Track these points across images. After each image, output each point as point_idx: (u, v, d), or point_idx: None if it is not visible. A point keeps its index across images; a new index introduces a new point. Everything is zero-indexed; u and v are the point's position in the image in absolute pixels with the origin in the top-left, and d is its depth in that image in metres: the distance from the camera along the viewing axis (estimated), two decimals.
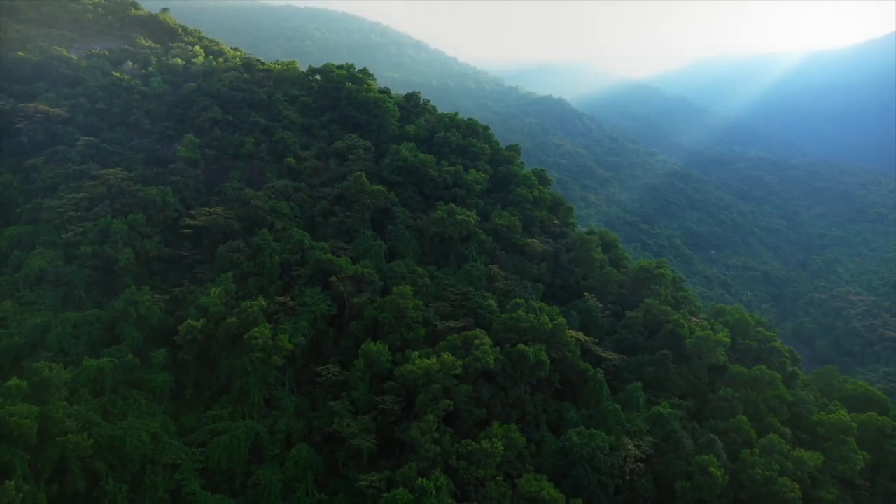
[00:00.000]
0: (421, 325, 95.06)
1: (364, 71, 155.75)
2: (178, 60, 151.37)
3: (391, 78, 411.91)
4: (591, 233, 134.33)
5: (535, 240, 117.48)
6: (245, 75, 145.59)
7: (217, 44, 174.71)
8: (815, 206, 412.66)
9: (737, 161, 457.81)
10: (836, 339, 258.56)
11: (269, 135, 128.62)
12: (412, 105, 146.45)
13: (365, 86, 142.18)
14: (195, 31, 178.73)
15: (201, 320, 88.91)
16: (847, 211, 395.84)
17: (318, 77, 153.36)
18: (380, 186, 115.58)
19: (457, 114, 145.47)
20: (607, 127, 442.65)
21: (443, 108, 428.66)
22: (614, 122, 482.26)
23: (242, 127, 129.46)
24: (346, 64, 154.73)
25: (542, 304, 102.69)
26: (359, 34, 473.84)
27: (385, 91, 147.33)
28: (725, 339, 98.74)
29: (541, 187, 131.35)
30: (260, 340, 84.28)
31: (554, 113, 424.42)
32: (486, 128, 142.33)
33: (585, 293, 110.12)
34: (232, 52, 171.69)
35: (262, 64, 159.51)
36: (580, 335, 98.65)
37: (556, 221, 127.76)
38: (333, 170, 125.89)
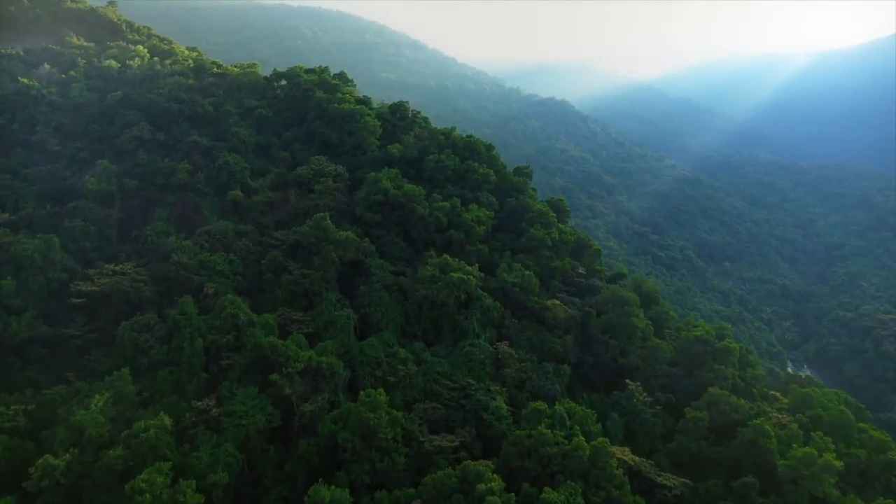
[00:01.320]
0: (400, 444, 63.51)
1: (340, 75, 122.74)
2: (112, 63, 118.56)
3: (386, 79, 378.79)
4: (619, 277, 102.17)
5: (556, 301, 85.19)
6: (190, 81, 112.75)
7: (169, 42, 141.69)
8: (832, 213, 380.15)
9: (746, 165, 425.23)
10: (867, 362, 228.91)
11: (212, 159, 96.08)
12: (398, 118, 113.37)
13: (339, 94, 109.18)
14: (144, 27, 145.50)
15: (69, 453, 57.34)
16: (866, 219, 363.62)
17: (284, 83, 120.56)
18: (350, 232, 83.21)
19: (453, 129, 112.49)
20: (612, 130, 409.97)
21: (441, 111, 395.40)
22: (618, 124, 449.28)
23: (177, 148, 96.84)
24: (318, 67, 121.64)
25: (571, 403, 70.79)
26: (353, 33, 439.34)
27: (364, 101, 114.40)
28: (836, 462, 66.38)
29: (560, 225, 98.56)
30: (148, 496, 52.55)
31: (557, 116, 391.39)
32: (489, 147, 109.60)
33: (627, 380, 77.96)
34: (186, 52, 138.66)
35: (218, 67, 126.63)
36: (627, 454, 66.82)
37: (581, 270, 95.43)
38: (294, 204, 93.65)
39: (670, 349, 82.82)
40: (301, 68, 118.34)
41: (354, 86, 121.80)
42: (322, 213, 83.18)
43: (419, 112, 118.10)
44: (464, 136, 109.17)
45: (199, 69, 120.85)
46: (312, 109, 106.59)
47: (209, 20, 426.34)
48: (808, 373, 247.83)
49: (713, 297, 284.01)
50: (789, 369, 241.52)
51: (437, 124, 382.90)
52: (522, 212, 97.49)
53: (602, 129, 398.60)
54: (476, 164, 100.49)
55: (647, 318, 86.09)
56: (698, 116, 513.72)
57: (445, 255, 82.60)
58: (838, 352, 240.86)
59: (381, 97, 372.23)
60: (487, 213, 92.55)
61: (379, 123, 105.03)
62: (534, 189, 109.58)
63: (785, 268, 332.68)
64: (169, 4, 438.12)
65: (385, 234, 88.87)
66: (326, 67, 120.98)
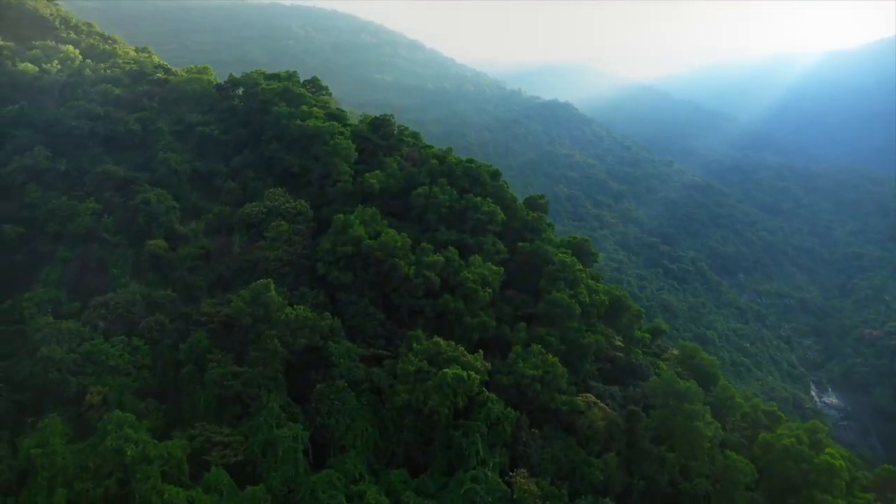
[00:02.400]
0: None
1: (312, 82, 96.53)
2: (28, 67, 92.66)
3: (382, 80, 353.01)
4: (658, 332, 76.80)
5: (589, 397, 59.74)
6: (118, 91, 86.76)
7: (113, 41, 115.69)
8: (849, 220, 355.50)
9: (757, 169, 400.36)
10: None
11: (128, 195, 70.41)
12: (380, 136, 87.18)
13: (305, 107, 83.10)
14: (85, 24, 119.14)
15: None
16: (885, 227, 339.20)
17: (242, 91, 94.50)
18: (303, 308, 57.62)
19: (449, 151, 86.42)
20: (618, 134, 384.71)
21: (439, 114, 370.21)
22: (622, 127, 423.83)
23: (83, 182, 71.24)
24: (285, 72, 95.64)
25: None
26: (348, 33, 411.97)
27: (338, 115, 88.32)
28: None
29: (591, 281, 72.59)
30: None
31: (560, 118, 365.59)
32: (494, 174, 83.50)
33: None
34: (133, 53, 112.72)
35: (166, 71, 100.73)
36: None
37: (618, 341, 69.89)
38: (239, 255, 68.18)
39: (751, 468, 57.31)
40: (261, 73, 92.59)
41: (330, 94, 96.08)
42: (264, 281, 57.54)
43: (406, 128, 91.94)
44: (463, 159, 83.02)
45: (139, 75, 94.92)
46: (270, 127, 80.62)
47: (198, 20, 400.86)
48: (834, 397, 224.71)
49: (729, 314, 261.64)
50: (813, 393, 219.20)
51: (434, 128, 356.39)
52: (539, 263, 71.70)
53: (608, 133, 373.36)
54: (478, 198, 74.55)
55: (717, 426, 60.32)
56: (703, 118, 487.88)
57: (437, 339, 56.95)
58: (865, 374, 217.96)
59: (376, 99, 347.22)
60: (494, 269, 66.71)
61: (353, 146, 78.91)
62: (550, 224, 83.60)
63: (802, 280, 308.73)
64: (157, 4, 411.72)
65: (356, 300, 63.26)
66: (294, 73, 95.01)
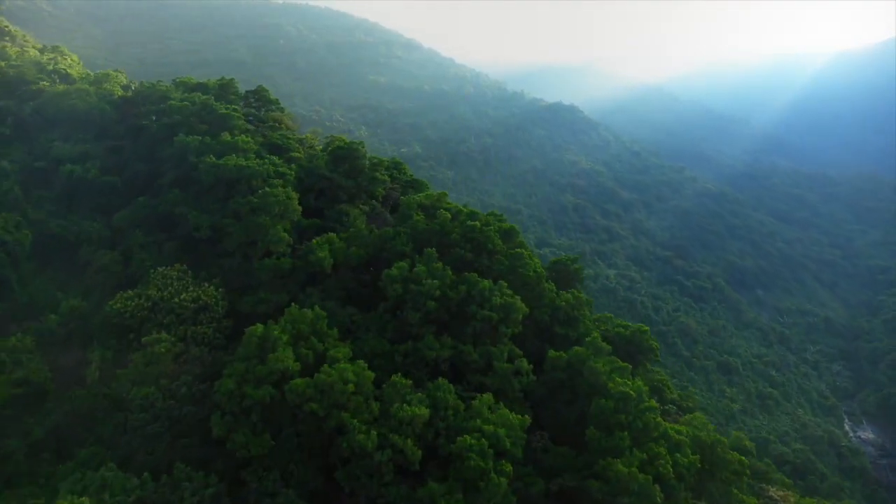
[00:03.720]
0: None
1: (257, 93, 66.90)
2: None
3: (376, 82, 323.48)
4: None
5: None
6: None
7: (12, 38, 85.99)
8: (870, 231, 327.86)
9: (771, 175, 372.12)
10: None
11: None
12: (344, 173, 57.85)
13: (226, 136, 53.87)
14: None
15: None
16: None
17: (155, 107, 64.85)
18: None
19: (443, 196, 57.06)
20: (626, 138, 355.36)
21: (437, 117, 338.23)
22: (629, 130, 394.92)
23: None
24: (218, 79, 66.34)
25: None
26: (342, 32, 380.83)
27: (280, 146, 58.89)
28: None
29: (673, 430, 43.27)
30: None
31: (565, 122, 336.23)
32: (509, 233, 54.54)
33: None
34: (35, 53, 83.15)
35: (60, 78, 71.30)
36: None
37: None
38: (92, 388, 39.55)
39: None
40: (185, 81, 63.31)
41: (281, 110, 67.24)
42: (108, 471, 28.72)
43: (382, 161, 62.49)
44: (463, 210, 53.82)
45: (17, 83, 65.46)
46: (174, 165, 51.49)
47: (185, 17, 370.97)
48: (869, 431, 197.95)
49: (751, 336, 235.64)
50: (846, 427, 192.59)
51: (432, 133, 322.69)
52: (584, 388, 42.61)
53: (615, 138, 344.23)
54: (486, 282, 45.42)
55: None
56: (712, 121, 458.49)
57: None
58: None
59: (370, 102, 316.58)
60: (515, 418, 37.79)
61: (296, 196, 49.84)
62: (589, 302, 54.32)
63: (825, 296, 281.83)
64: (151, 5, 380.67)
65: (274, 490, 34.25)
66: (230, 81, 66.30)
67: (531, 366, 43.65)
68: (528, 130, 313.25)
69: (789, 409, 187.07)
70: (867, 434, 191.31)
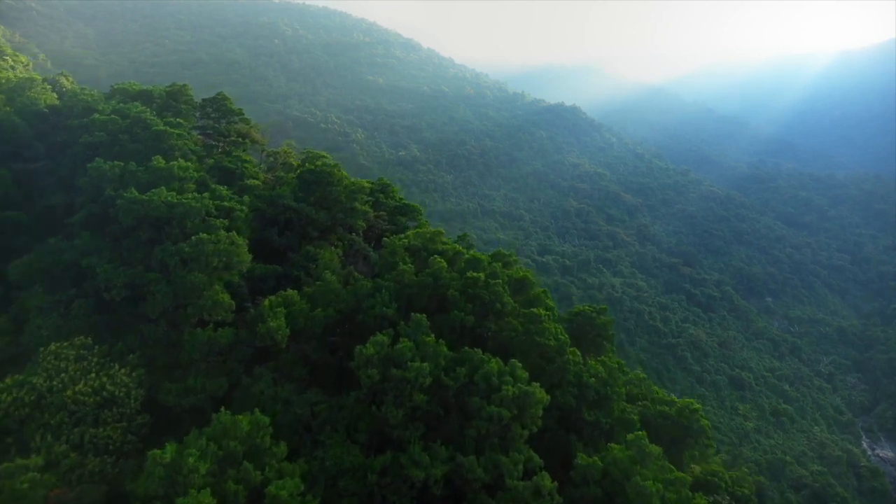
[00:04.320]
0: None
1: (214, 102, 53.81)
2: None
3: (374, 83, 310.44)
4: None
5: None
6: None
7: None
8: (880, 235, 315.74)
9: (776, 177, 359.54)
10: None
11: None
12: (316, 202, 45.42)
13: (158, 160, 41.11)
14: None
15: None
16: None
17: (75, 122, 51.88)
18: None
19: (439, 234, 44.18)
20: (629, 140, 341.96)
21: (435, 119, 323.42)
22: (631, 132, 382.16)
23: None
24: (168, 86, 53.81)
25: None
26: (339, 32, 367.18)
27: (230, 172, 45.81)
28: None
29: None
30: None
31: (567, 123, 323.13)
32: (520, 283, 41.68)
33: None
34: None
35: None
36: None
37: None
38: None
39: None
40: (121, 87, 50.18)
41: (246, 122, 53.80)
42: None
43: (365, 186, 49.48)
44: (463, 253, 40.78)
45: None
46: (86, 199, 38.50)
47: (179, 16, 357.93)
48: (888, 449, 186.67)
49: (762, 347, 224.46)
50: (864, 444, 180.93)
51: (430, 135, 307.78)
52: None
53: (618, 140, 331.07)
54: (493, 360, 32.54)
55: None
56: (715, 122, 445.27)
57: None
58: None
59: (368, 103, 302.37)
60: None
61: (245, 241, 36.94)
62: (626, 392, 41.20)
63: (836, 303, 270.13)
64: (142, 5, 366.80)
65: None
66: (182, 87, 54.42)
67: (555, 483, 30.87)
68: (530, 132, 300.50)
69: (805, 426, 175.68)
70: (886, 452, 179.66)
